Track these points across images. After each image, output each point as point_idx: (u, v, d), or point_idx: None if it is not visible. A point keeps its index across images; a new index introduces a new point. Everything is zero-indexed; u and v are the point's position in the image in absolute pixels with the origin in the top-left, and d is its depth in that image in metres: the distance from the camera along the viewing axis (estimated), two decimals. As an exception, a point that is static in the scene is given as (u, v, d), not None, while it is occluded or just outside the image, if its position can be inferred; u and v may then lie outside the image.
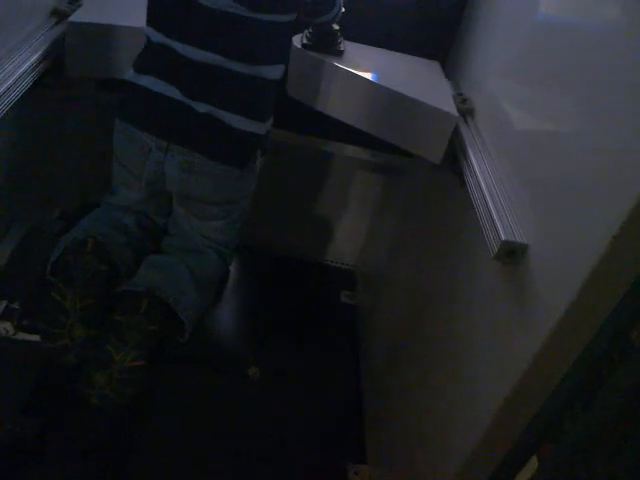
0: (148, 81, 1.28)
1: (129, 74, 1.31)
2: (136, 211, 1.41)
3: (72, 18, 1.37)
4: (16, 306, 1.27)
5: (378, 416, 1.84)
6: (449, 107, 1.45)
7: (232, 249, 1.46)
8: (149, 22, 1.29)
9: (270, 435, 1.80)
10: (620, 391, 0.96)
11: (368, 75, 1.53)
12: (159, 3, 1.29)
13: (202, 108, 1.26)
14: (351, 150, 2.10)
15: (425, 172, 1.74)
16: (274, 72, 1.33)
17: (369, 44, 1.73)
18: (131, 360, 1.16)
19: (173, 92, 1.27)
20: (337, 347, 2.20)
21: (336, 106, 1.57)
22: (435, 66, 1.75)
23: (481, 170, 1.27)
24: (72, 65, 1.41)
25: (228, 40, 1.26)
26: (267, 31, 1.29)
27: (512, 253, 1.06)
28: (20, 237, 1.43)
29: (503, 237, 1.05)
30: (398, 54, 1.75)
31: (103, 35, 1.40)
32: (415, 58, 1.75)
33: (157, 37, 1.28)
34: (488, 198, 1.18)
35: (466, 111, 1.49)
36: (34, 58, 1.27)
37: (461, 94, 1.56)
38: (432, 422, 1.38)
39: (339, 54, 1.58)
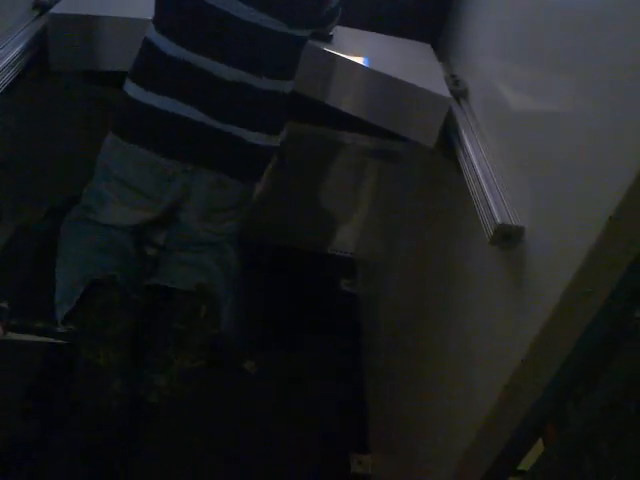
0: (164, 102, 1.20)
1: (134, 90, 1.23)
2: (132, 228, 1.35)
3: (54, 10, 1.34)
4: (5, 305, 1.26)
5: (380, 405, 1.83)
6: (442, 90, 1.43)
7: (237, 235, 1.46)
8: (164, 32, 1.21)
9: (271, 425, 1.80)
10: (623, 373, 0.95)
11: (359, 60, 1.51)
12: (182, 13, 1.21)
13: (224, 127, 1.23)
14: (346, 136, 2.09)
15: (421, 156, 1.72)
16: (292, 86, 1.32)
17: (358, 28, 1.71)
18: (191, 362, 1.17)
19: (192, 112, 1.21)
20: (338, 336, 2.18)
21: (328, 92, 1.54)
22: (426, 48, 1.73)
23: (475, 153, 1.25)
24: (57, 59, 1.37)
25: (264, 57, 1.24)
26: (296, 46, 1.29)
27: (508, 236, 1.05)
28: (7, 236, 1.41)
29: (499, 220, 1.03)
30: (389, 37, 1.73)
31: (86, 27, 1.36)
32: (406, 41, 1.73)
33: (176, 51, 1.19)
34: (483, 181, 1.16)
35: (459, 93, 1.47)
36: (15, 51, 1.23)
37: (454, 76, 1.54)
38: (433, 409, 1.38)
39: (329, 39, 1.55)
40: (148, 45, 1.23)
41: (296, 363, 2.00)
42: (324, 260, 2.50)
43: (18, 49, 1.24)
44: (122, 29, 1.35)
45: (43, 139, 1.67)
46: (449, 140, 1.40)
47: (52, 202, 1.48)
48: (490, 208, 1.08)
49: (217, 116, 1.22)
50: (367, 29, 1.72)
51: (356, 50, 1.56)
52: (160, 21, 1.22)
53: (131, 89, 1.24)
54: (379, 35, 1.72)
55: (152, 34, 1.23)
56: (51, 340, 1.26)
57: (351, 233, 2.46)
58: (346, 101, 1.54)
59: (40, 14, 1.37)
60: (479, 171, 1.19)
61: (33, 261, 1.28)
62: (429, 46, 1.73)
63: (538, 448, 1.10)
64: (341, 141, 2.11)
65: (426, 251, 1.65)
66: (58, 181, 1.82)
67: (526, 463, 1.12)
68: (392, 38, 1.72)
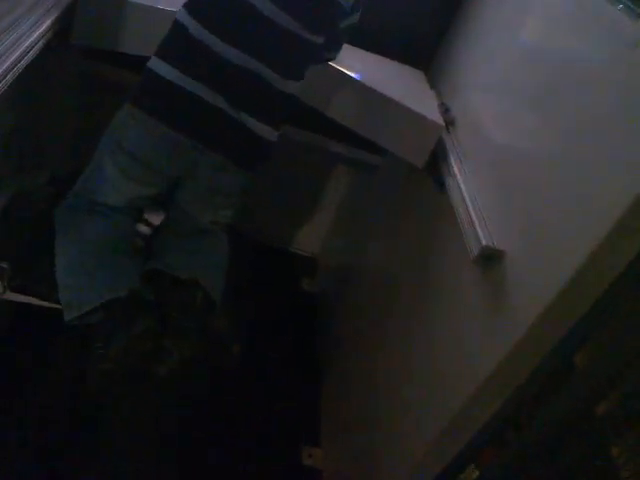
0: (185, 81, 1.26)
1: (161, 67, 1.28)
2: (132, 209, 1.39)
3: (87, -13, 1.39)
4: (5, 265, 1.28)
5: (334, 401, 1.92)
6: (435, 116, 1.55)
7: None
8: (193, 14, 1.28)
9: (223, 418, 1.83)
10: (560, 410, 1.06)
11: (360, 76, 1.61)
12: (217, 2, 1.29)
13: (236, 114, 1.29)
14: (324, 142, 2.13)
15: (401, 173, 1.83)
16: (296, 89, 1.39)
17: (357, 46, 1.80)
18: (190, 351, 1.24)
19: (209, 94, 1.27)
20: (295, 332, 2.25)
21: (325, 101, 1.63)
22: (420, 75, 1.85)
23: (462, 177, 1.38)
24: (80, 34, 1.42)
25: (280, 54, 1.31)
26: (312, 52, 1.37)
27: (489, 258, 1.16)
28: (8, 199, 1.43)
29: (484, 242, 1.15)
30: (386, 59, 1.84)
31: (116, 8, 1.42)
32: (403, 65, 1.85)
33: (203, 35, 1.26)
34: (469, 204, 1.28)
35: (448, 120, 1.60)
36: (46, 24, 1.28)
37: (443, 103, 1.67)
38: (390, 410, 1.47)
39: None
40: (177, 26, 1.30)
41: (252, 357, 2.02)
42: (287, 258, 2.55)
43: (49, 21, 1.29)
44: (149, 17, 1.41)
45: (44, 111, 1.69)
46: (435, 162, 1.53)
47: (54, 170, 1.51)
48: (475, 229, 1.19)
49: (231, 101, 1.29)
50: (364, 49, 1.82)
51: (358, 67, 1.66)
52: (191, 4, 1.29)
53: (155, 65, 1.29)
54: (377, 56, 1.83)
55: (182, 16, 1.29)
56: (49, 305, 1.28)
57: (317, 234, 2.54)
58: (343, 113, 1.63)
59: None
60: (465, 194, 1.31)
61: (34, 226, 1.30)
62: (422, 73, 1.86)
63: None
64: (319, 146, 2.16)
65: (398, 258, 1.75)
66: (60, 150, 1.85)
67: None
68: (389, 60, 1.84)
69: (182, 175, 1.34)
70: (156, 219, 1.48)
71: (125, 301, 1.23)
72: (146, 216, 1.47)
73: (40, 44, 1.27)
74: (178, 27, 1.29)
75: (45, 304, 1.26)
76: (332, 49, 1.54)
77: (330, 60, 1.58)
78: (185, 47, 1.29)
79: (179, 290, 1.30)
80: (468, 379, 1.14)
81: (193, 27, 1.27)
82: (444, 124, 1.54)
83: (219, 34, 1.26)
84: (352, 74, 1.60)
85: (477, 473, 1.18)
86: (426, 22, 1.88)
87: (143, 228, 1.47)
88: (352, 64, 1.64)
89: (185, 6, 1.30)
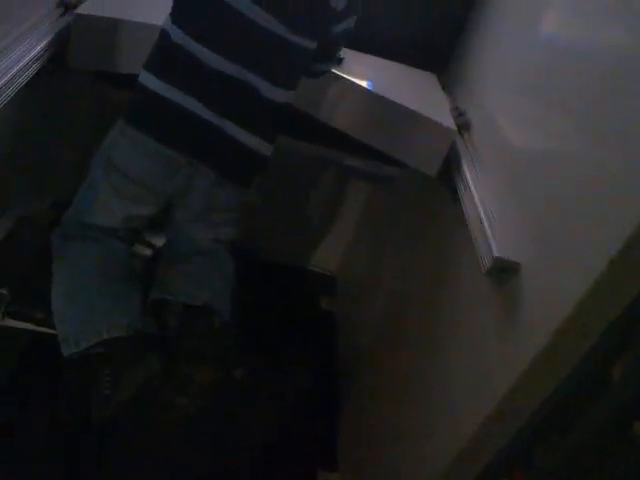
0: (169, 91, 1.23)
1: (148, 79, 1.25)
2: (127, 231, 1.35)
3: (80, 10, 1.37)
4: (5, 292, 1.27)
5: (352, 425, 1.86)
6: (447, 121, 1.48)
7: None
8: (175, 21, 1.24)
9: (240, 441, 1.79)
10: (596, 424, 0.98)
11: (368, 84, 1.56)
12: (199, 7, 1.24)
13: (220, 122, 1.24)
14: (339, 156, 2.09)
15: (416, 184, 1.76)
16: (290, 98, 1.34)
17: (368, 53, 1.75)
18: (210, 377, 1.20)
19: (192, 103, 1.23)
20: (314, 353, 2.18)
21: (334, 113, 1.58)
22: (432, 78, 1.78)
23: (475, 185, 1.30)
24: (75, 57, 1.40)
25: (264, 58, 1.25)
26: (298, 56, 1.30)
27: (503, 270, 1.09)
28: (11, 225, 1.42)
29: (496, 253, 1.08)
30: (396, 64, 1.78)
31: (110, 29, 1.39)
32: (413, 69, 1.78)
33: (185, 41, 1.22)
34: (482, 213, 1.20)
35: (462, 125, 1.52)
36: (39, 48, 1.26)
37: (457, 107, 1.59)
38: (408, 435, 1.40)
39: (339, 62, 1.59)
40: (161, 34, 1.27)
41: (270, 378, 1.99)
42: (305, 276, 2.50)
43: (42, 45, 1.27)
44: (144, 34, 1.37)
45: (51, 134, 1.68)
46: (449, 170, 1.45)
47: (57, 195, 1.50)
48: (488, 241, 1.12)
49: (214, 109, 1.24)
50: (374, 54, 1.77)
51: (365, 74, 1.60)
52: (174, 10, 1.25)
53: (143, 76, 1.26)
54: (388, 61, 1.77)
55: (166, 23, 1.26)
56: (47, 330, 1.25)
57: (334, 251, 2.47)
58: (351, 123, 1.57)
59: (64, 13, 1.40)
60: (478, 203, 1.24)
61: (35, 252, 1.29)
62: (434, 76, 1.79)
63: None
64: (333, 160, 2.11)
65: (414, 276, 1.68)
66: (64, 176, 1.84)
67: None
68: (400, 65, 1.78)
69: (177, 193, 1.29)
70: (158, 240, 1.45)
71: (127, 339, 1.18)
72: (147, 237, 1.44)
73: (33, 69, 1.25)
74: (162, 35, 1.26)
75: (43, 330, 1.24)
76: (328, 58, 1.47)
77: (326, 71, 1.52)
78: (168, 56, 1.25)
79: (193, 316, 1.26)
80: (486, 396, 1.07)
81: (175, 34, 1.23)
82: (456, 129, 1.47)
83: (202, 40, 1.22)
84: (358, 81, 1.54)
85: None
86: (440, 23, 1.81)
87: (144, 250, 1.44)
88: (358, 71, 1.59)
89: (170, 13, 1.27)
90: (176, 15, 1.24)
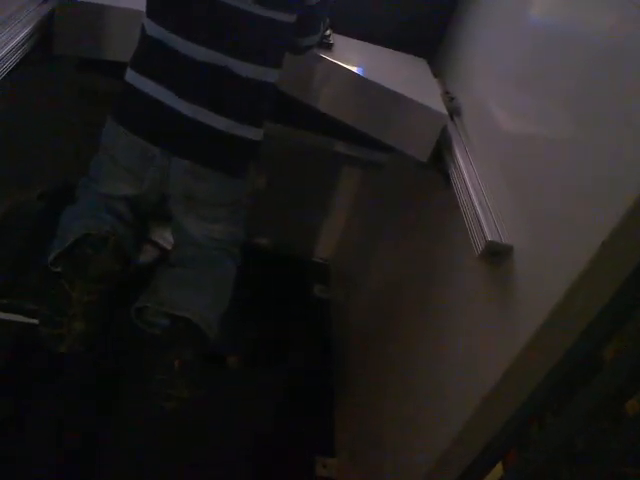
0: (150, 87, 1.23)
1: (129, 74, 1.27)
2: (130, 198, 1.35)
3: (63, -5, 1.35)
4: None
5: (348, 411, 1.86)
6: (439, 106, 1.47)
7: (240, 247, 1.44)
8: (148, 14, 1.24)
9: (237, 426, 1.79)
10: (591, 401, 0.98)
11: (358, 70, 1.54)
12: None
13: (193, 110, 1.23)
14: (328, 142, 2.07)
15: (407, 169, 1.75)
16: (274, 77, 1.31)
17: (356, 38, 1.74)
18: (190, 391, 1.20)
19: (164, 94, 1.22)
20: (309, 341, 2.18)
21: (324, 99, 1.57)
22: (422, 63, 1.77)
23: (467, 169, 1.29)
24: (61, 43, 1.38)
25: (234, 37, 1.23)
26: (270, 30, 1.26)
27: (496, 254, 1.08)
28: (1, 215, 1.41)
29: (489, 237, 1.07)
30: (387, 50, 1.76)
31: (94, 15, 1.37)
32: (403, 55, 1.77)
33: (156, 31, 1.22)
34: (474, 197, 1.20)
35: (453, 109, 1.51)
36: (23, 34, 1.24)
37: (448, 92, 1.58)
38: (404, 419, 1.40)
39: (329, 47, 1.58)
40: (141, 28, 1.27)
41: (265, 366, 1.99)
42: (298, 264, 2.49)
43: (25, 32, 1.25)
44: (128, 20, 1.36)
45: (36, 124, 1.66)
46: (440, 155, 1.44)
47: (44, 186, 1.48)
48: (480, 224, 1.12)
49: (186, 97, 1.22)
50: (364, 40, 1.75)
51: (356, 60, 1.59)
52: (146, 4, 1.25)
53: (129, 74, 1.27)
54: (378, 47, 1.75)
55: (144, 18, 1.26)
56: (35, 322, 1.24)
57: (327, 239, 2.47)
58: (341, 109, 1.56)
59: (46, -1, 1.37)
60: (470, 187, 1.23)
61: (24, 242, 1.27)
62: (424, 61, 1.77)
63: (496, 471, 1.12)
64: (324, 147, 2.09)
65: (407, 262, 1.68)
66: (50, 167, 1.82)
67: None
68: (390, 51, 1.76)
69: (160, 181, 1.29)
70: (167, 244, 1.45)
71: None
72: (154, 238, 1.44)
73: (17, 56, 1.23)
74: (141, 29, 1.26)
75: (32, 321, 1.22)
76: (311, 31, 1.43)
77: (311, 46, 1.48)
78: (142, 48, 1.26)
79: (173, 324, 1.25)
80: (480, 379, 1.07)
81: (149, 26, 1.24)
82: (448, 114, 1.46)
83: (172, 29, 1.21)
84: (349, 67, 1.52)
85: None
86: (430, 8, 1.78)
87: (154, 251, 1.44)
88: (349, 56, 1.57)
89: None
90: (148, 6, 1.25)
